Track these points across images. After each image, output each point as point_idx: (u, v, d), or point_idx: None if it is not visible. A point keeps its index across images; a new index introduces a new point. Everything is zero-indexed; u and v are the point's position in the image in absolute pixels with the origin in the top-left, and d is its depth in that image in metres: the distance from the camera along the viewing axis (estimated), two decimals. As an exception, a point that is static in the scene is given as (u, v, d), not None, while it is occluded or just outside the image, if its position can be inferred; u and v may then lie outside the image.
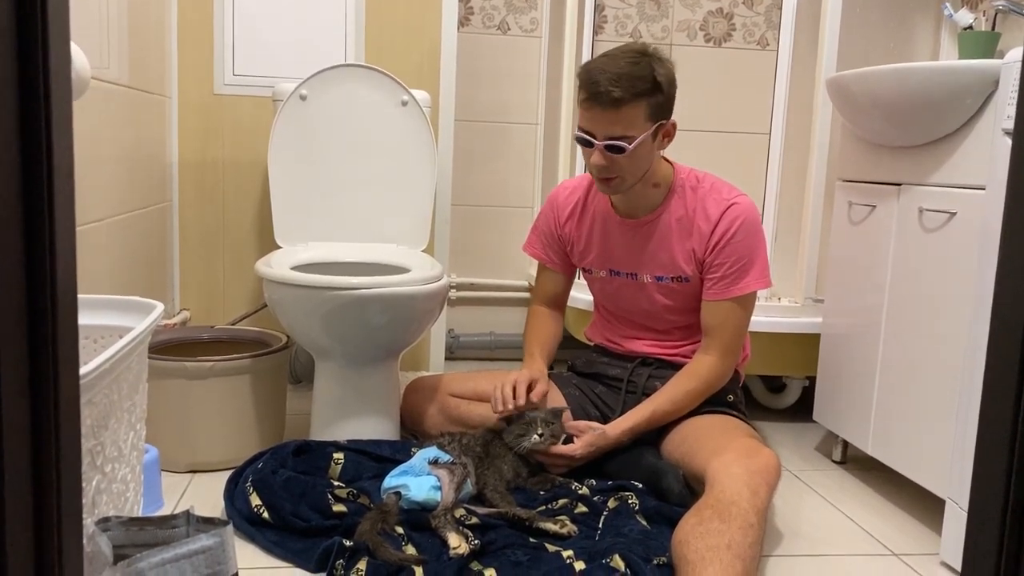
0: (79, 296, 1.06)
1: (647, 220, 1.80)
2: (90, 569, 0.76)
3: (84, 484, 0.77)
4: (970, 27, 2.07)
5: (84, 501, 0.77)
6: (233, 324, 2.33)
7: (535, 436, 1.68)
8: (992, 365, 0.75)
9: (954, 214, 1.61)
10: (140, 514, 0.93)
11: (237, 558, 0.83)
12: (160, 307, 0.97)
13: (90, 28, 1.80)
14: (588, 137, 1.66)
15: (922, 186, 1.71)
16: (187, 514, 0.85)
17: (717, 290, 1.76)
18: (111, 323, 0.91)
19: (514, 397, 1.75)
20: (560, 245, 1.94)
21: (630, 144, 1.64)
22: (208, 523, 0.84)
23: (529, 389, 1.79)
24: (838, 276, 2.01)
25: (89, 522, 0.78)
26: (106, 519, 0.81)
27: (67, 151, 0.55)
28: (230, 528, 0.83)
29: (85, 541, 0.77)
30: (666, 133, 1.72)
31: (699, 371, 1.76)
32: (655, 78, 1.63)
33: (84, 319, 0.98)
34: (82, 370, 0.72)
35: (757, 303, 2.23)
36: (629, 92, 1.61)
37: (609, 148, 1.65)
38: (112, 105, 1.95)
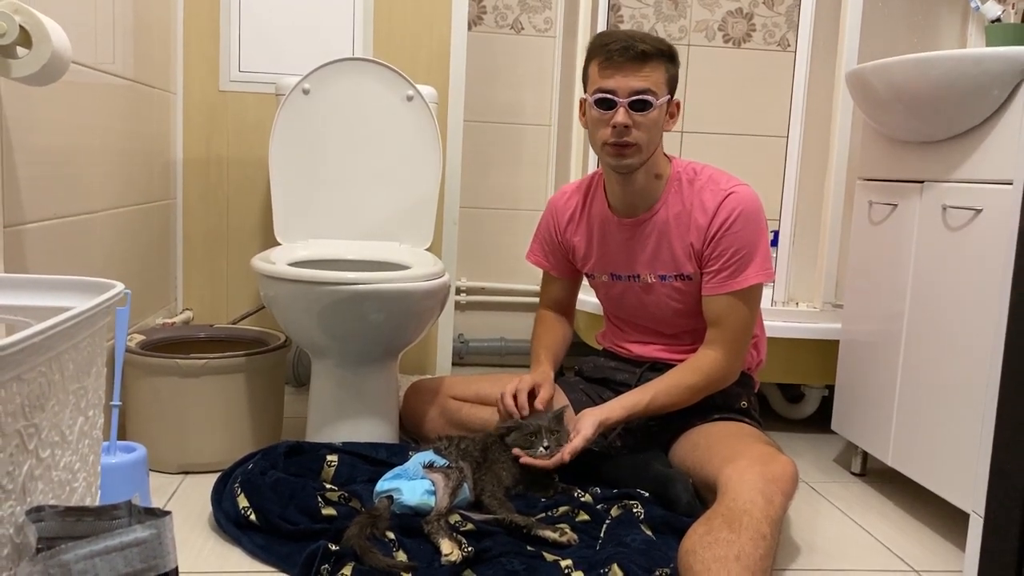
0: (38, 276, 1.01)
1: (645, 218, 1.73)
2: (19, 562, 0.71)
3: (12, 468, 0.71)
4: (998, 19, 1.99)
5: (11, 487, 0.72)
6: (233, 324, 2.29)
7: (541, 448, 1.61)
8: (1009, 372, 0.68)
9: (979, 211, 1.52)
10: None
11: (177, 552, 0.78)
12: (119, 286, 0.91)
13: (95, 21, 1.77)
14: (611, 96, 1.61)
15: (945, 183, 1.63)
16: (129, 505, 0.79)
17: (716, 284, 1.68)
18: (66, 304, 0.86)
19: (518, 407, 1.69)
20: (562, 251, 1.88)
21: (656, 100, 1.61)
22: (151, 514, 0.78)
23: (533, 395, 1.72)
24: (858, 279, 1.93)
25: (19, 511, 0.73)
26: (39, 508, 0.75)
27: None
28: (169, 520, 0.77)
29: (14, 531, 0.72)
30: (672, 113, 1.69)
31: (702, 366, 1.68)
32: (672, 47, 1.66)
33: (39, 299, 0.93)
34: (4, 342, 0.67)
35: (775, 308, 2.17)
36: (654, 48, 1.61)
37: (633, 105, 1.60)
38: (115, 98, 1.92)
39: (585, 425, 1.61)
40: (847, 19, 2.07)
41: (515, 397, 1.71)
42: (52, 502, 0.81)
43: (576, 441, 1.59)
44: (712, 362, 1.68)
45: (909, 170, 1.74)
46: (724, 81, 2.83)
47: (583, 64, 1.69)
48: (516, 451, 1.61)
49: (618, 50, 1.59)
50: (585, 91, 1.69)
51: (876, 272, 1.85)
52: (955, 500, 1.57)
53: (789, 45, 2.83)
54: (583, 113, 1.71)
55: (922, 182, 1.69)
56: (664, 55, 1.63)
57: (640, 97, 1.60)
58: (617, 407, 1.66)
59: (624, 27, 2.79)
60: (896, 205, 1.77)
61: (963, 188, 1.58)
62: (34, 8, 1.23)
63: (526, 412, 1.68)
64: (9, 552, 0.73)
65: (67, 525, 0.76)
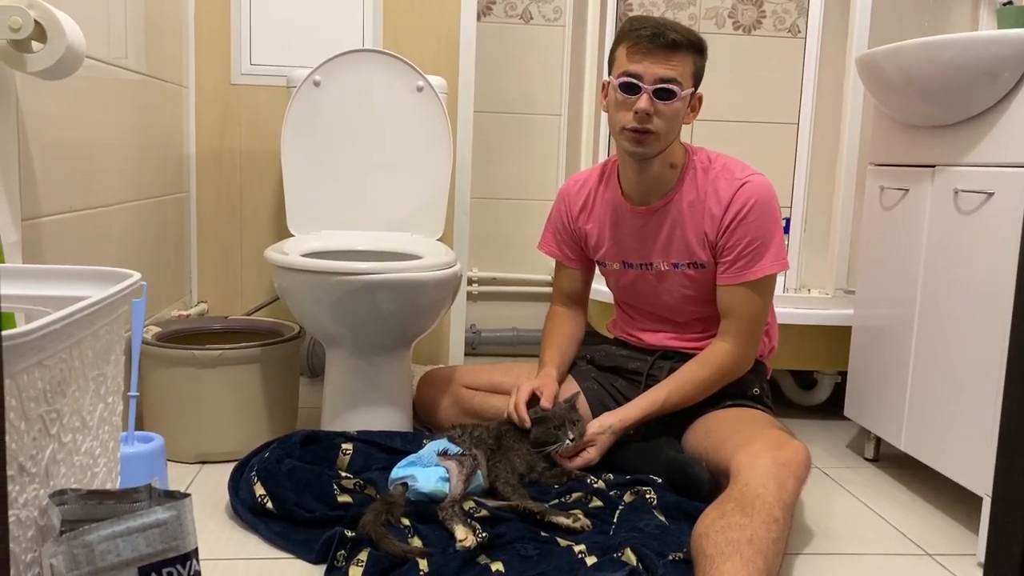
0: (54, 266, 1.03)
1: (658, 207, 1.73)
2: (43, 543, 0.73)
3: (35, 452, 0.73)
4: (1009, 2, 1.98)
5: (35, 470, 0.73)
6: (248, 315, 2.31)
7: (567, 442, 1.62)
8: (1015, 353, 0.68)
9: (991, 194, 1.52)
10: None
11: (197, 534, 0.79)
12: (136, 275, 0.93)
13: (108, 16, 1.79)
14: (635, 81, 1.60)
15: (957, 166, 1.62)
16: (149, 488, 0.80)
17: (731, 274, 1.68)
18: (83, 294, 0.88)
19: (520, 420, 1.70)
20: (575, 240, 1.88)
21: (681, 91, 1.60)
22: (170, 497, 0.80)
23: (536, 399, 1.73)
24: (870, 265, 1.92)
25: (43, 493, 0.75)
26: (62, 492, 0.77)
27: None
28: (188, 502, 0.79)
29: (38, 514, 0.74)
30: (694, 106, 1.69)
31: (714, 360, 1.69)
32: (701, 40, 1.65)
33: (56, 289, 0.94)
34: (26, 328, 0.69)
35: (787, 295, 2.17)
36: (685, 39, 1.61)
37: (658, 93, 1.60)
38: (128, 92, 1.93)
39: (602, 440, 1.66)
40: (857, 4, 2.06)
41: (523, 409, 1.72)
42: (74, 486, 0.82)
43: (591, 453, 1.66)
44: (724, 355, 1.69)
45: (920, 155, 1.73)
46: (735, 68, 2.83)
47: (611, 46, 1.69)
48: (555, 454, 1.64)
49: (648, 36, 1.59)
50: (610, 73, 1.68)
51: (888, 257, 1.84)
52: (968, 484, 1.57)
53: (799, 31, 2.82)
54: (604, 95, 1.71)
55: (933, 166, 1.69)
56: (694, 47, 1.63)
57: (665, 86, 1.60)
58: (633, 410, 1.68)
59: (633, 15, 2.78)
60: (908, 190, 1.77)
61: (975, 172, 1.57)
62: (48, 3, 1.24)
63: (528, 425, 1.68)
64: (34, 534, 0.75)
65: (89, 508, 0.78)
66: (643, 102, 1.60)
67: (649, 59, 1.60)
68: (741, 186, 1.66)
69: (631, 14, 2.77)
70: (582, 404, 1.78)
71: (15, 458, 0.70)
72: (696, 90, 1.67)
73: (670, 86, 1.60)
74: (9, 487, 0.69)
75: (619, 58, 1.65)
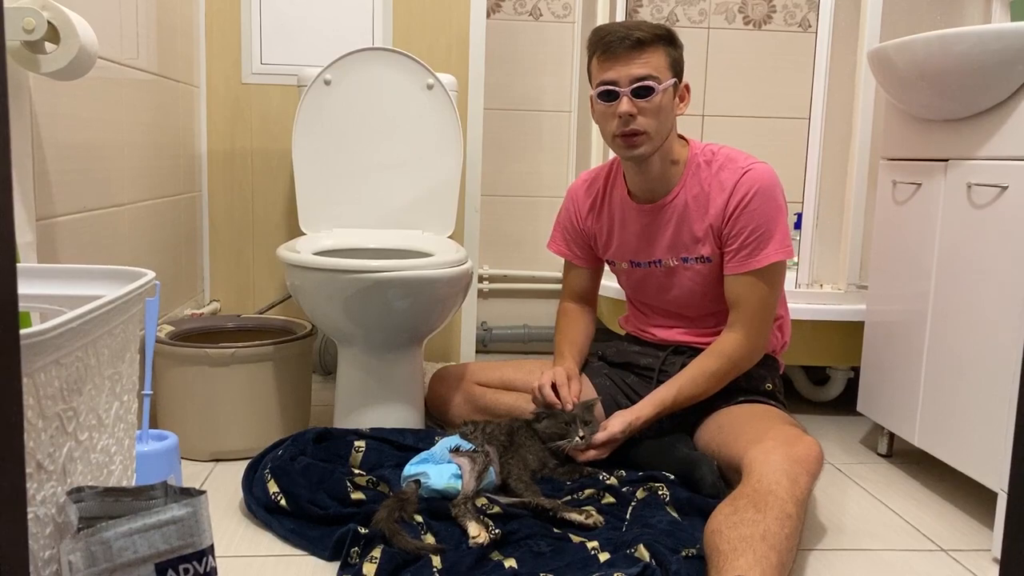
0: (69, 266, 1.04)
1: (664, 203, 1.73)
2: (61, 540, 0.73)
3: (52, 450, 0.74)
4: (1023, -5, 1.96)
5: (52, 468, 0.74)
6: (260, 313, 2.31)
7: (577, 439, 1.63)
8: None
9: (1005, 188, 1.51)
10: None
11: (212, 530, 0.80)
12: (150, 274, 0.94)
13: (120, 16, 1.80)
14: (613, 88, 1.61)
15: (970, 160, 1.61)
16: (165, 485, 0.81)
17: (736, 263, 1.68)
18: (98, 292, 0.88)
19: (558, 395, 1.71)
20: (583, 239, 1.89)
21: (659, 85, 1.60)
22: (186, 494, 0.81)
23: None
24: (882, 260, 1.92)
25: (60, 491, 0.75)
26: (79, 489, 0.78)
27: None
28: (204, 499, 0.79)
29: (55, 511, 0.74)
30: (681, 95, 1.69)
31: (724, 350, 1.69)
32: (669, 30, 1.65)
33: (71, 288, 0.95)
34: (44, 326, 0.69)
35: (799, 290, 2.16)
36: (651, 34, 1.61)
37: (636, 92, 1.60)
38: (141, 92, 1.94)
39: (613, 424, 1.66)
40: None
41: (555, 388, 1.72)
42: (91, 483, 0.83)
43: (603, 449, 1.66)
44: (733, 344, 1.68)
45: (933, 149, 1.73)
46: (745, 63, 2.82)
47: (586, 60, 1.70)
48: (565, 446, 1.64)
49: (615, 40, 1.60)
50: (591, 86, 1.69)
51: (901, 252, 1.84)
52: (982, 479, 1.56)
53: (810, 26, 2.81)
54: (592, 108, 1.72)
55: (946, 160, 1.68)
56: (662, 39, 1.63)
57: (642, 84, 1.60)
58: (647, 406, 1.68)
59: (644, 11, 2.78)
60: (920, 184, 1.76)
61: (988, 165, 1.57)
62: (61, 4, 1.25)
63: (569, 406, 1.69)
64: (52, 531, 0.76)
65: (106, 505, 0.79)
66: (624, 105, 1.61)
67: (620, 63, 1.60)
68: (744, 174, 1.66)
69: (640, 10, 2.77)
70: (597, 408, 1.78)
71: (33, 456, 0.71)
72: (680, 80, 1.67)
73: (647, 83, 1.60)
74: (27, 485, 0.70)
75: (594, 70, 1.66)
